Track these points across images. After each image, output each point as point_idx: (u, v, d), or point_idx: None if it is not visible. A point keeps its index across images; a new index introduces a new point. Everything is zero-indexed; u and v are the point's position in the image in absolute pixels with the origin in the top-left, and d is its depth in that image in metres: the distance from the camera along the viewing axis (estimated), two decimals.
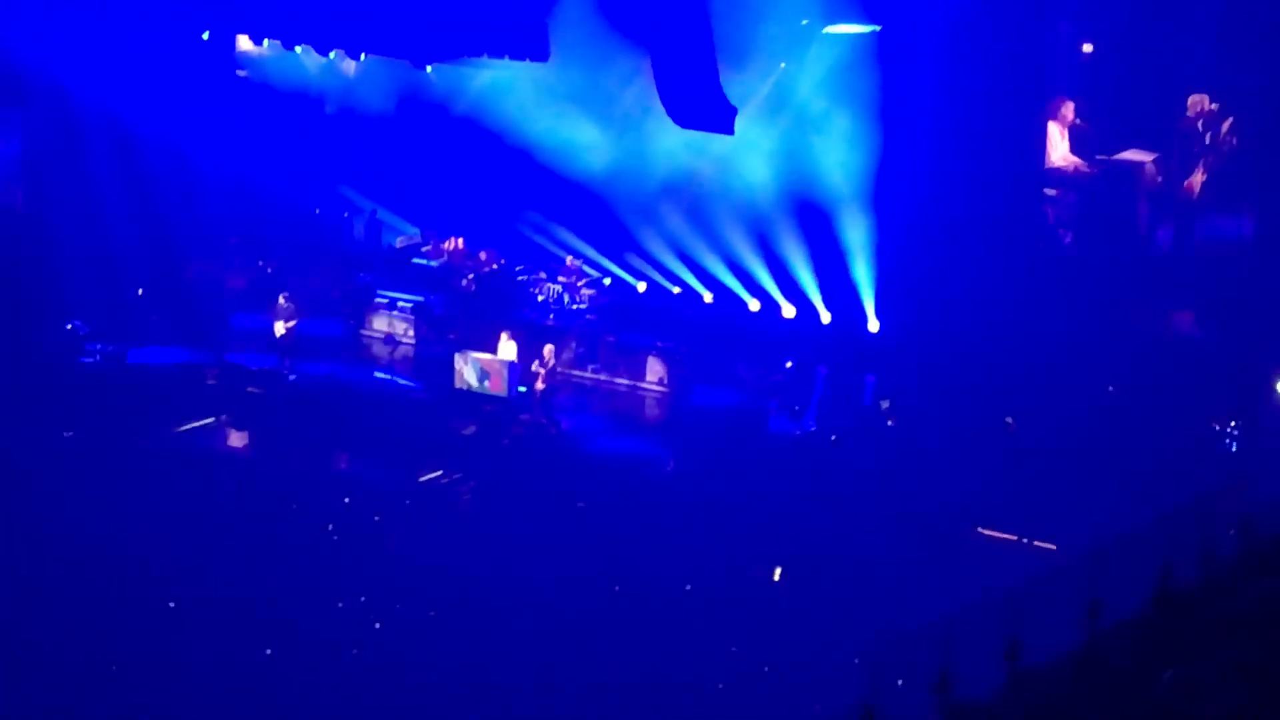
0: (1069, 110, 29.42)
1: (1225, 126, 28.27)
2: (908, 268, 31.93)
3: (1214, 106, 28.18)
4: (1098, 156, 29.20)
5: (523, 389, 32.22)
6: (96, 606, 23.42)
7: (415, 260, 37.72)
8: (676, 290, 35.06)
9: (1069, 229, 29.65)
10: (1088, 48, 29.02)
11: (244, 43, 38.09)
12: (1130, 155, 29.01)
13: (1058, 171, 29.46)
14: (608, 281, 36.01)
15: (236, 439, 31.31)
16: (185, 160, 36.02)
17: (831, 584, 24.63)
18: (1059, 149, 29.55)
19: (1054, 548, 25.53)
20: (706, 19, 31.13)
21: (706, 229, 34.43)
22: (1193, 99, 28.50)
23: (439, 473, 29.51)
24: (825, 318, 33.45)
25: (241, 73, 38.74)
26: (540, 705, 21.65)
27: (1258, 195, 28.05)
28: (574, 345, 34.46)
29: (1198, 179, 28.74)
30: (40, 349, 32.71)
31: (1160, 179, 29.02)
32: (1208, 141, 28.40)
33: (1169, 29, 27.45)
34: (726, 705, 21.84)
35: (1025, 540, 26.17)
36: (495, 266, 36.67)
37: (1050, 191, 29.57)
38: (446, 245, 37.52)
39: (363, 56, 35.52)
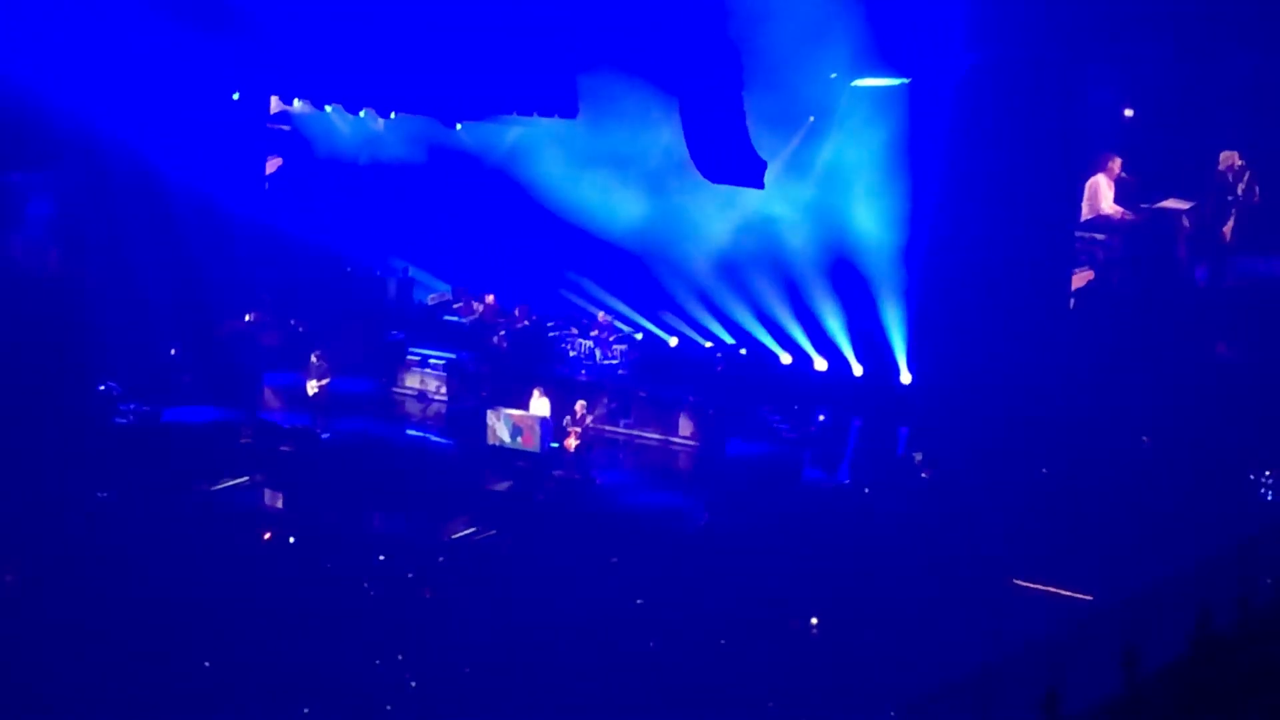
0: (1116, 165, 31.21)
1: (1251, 179, 30.15)
2: (939, 319, 31.93)
3: (1241, 162, 30.18)
4: (1141, 205, 31.13)
5: (555, 445, 32.24)
6: (132, 666, 23.42)
7: (447, 317, 37.78)
8: (708, 344, 35.06)
9: (1116, 269, 31.32)
10: (1129, 112, 31.07)
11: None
12: (1170, 204, 30.95)
13: (1105, 219, 31.25)
14: (639, 336, 36.01)
15: (270, 497, 31.34)
16: (218, 220, 36.19)
17: (867, 637, 24.53)
18: (1107, 199, 31.32)
19: (1090, 598, 25.42)
20: (736, 74, 31.21)
21: (737, 283, 34.44)
22: (1224, 155, 30.42)
23: (472, 529, 29.51)
24: (857, 370, 33.42)
25: (285, 127, 38.98)
26: None
27: None
28: (606, 400, 34.46)
29: (1229, 225, 30.51)
30: (74, 410, 32.77)
31: (1196, 225, 30.82)
32: (1238, 192, 30.25)
33: (1202, 95, 29.60)
34: None
35: (1061, 591, 26.07)
36: (527, 323, 36.71)
37: (1099, 236, 31.37)
38: (478, 303, 37.58)
39: (392, 115, 35.69)
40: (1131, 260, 31.23)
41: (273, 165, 39.28)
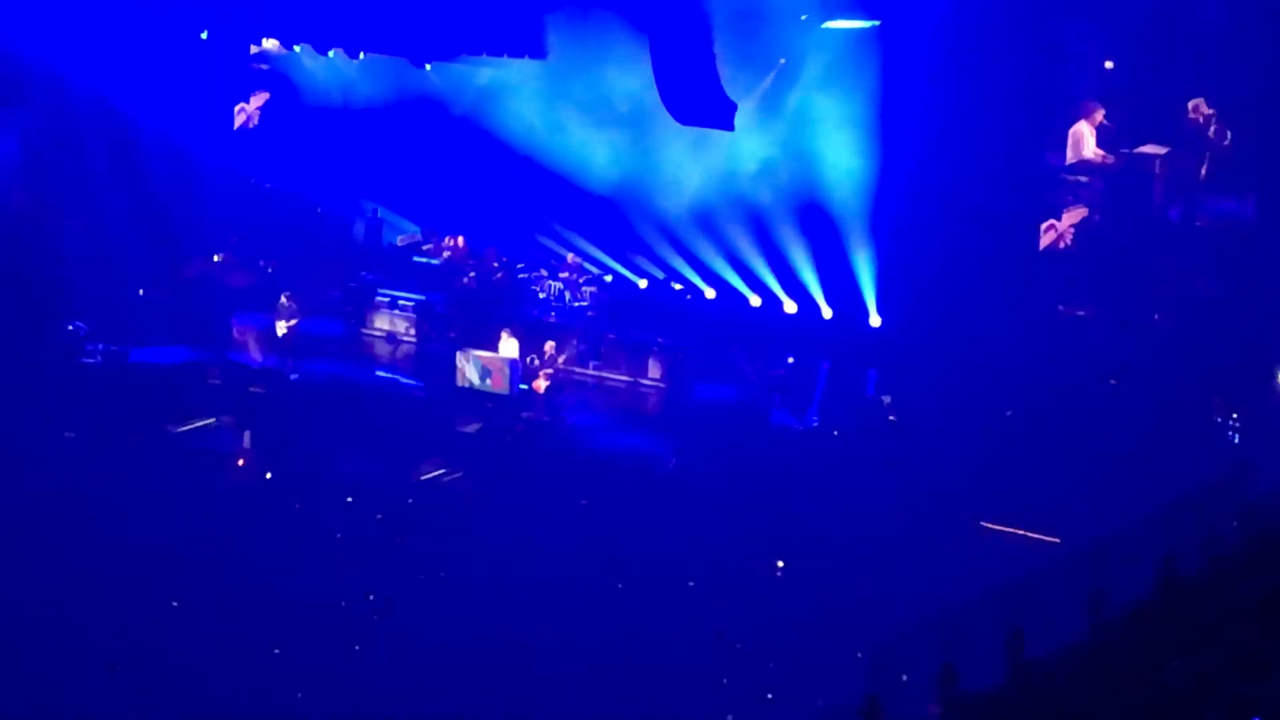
0: (1099, 113, 31.81)
1: (1221, 125, 30.83)
2: (909, 262, 31.98)
3: (1210, 110, 30.84)
4: (1121, 150, 31.78)
5: (524, 386, 32.21)
6: (99, 606, 23.38)
7: (416, 259, 37.68)
8: (678, 287, 35.02)
9: (1096, 210, 32.00)
10: (1109, 64, 31.74)
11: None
12: (1147, 149, 31.68)
13: (1087, 163, 32.00)
14: (609, 278, 35.96)
15: (238, 438, 31.28)
16: (187, 160, 36.03)
17: (834, 578, 24.61)
18: (1089, 144, 32.02)
19: (1057, 541, 25.52)
20: (706, 16, 31.13)
21: (707, 225, 34.39)
22: (1192, 103, 30.94)
23: (441, 471, 29.50)
24: (827, 313, 33.43)
25: (264, 66, 38.79)
26: (544, 702, 21.62)
27: (1253, 181, 30.53)
28: (575, 342, 34.40)
29: (1202, 168, 31.13)
30: (41, 349, 32.66)
31: (1172, 168, 31.57)
32: (1210, 136, 30.81)
33: (1176, 47, 30.24)
34: (730, 700, 21.81)
35: (1027, 533, 26.17)
36: (496, 264, 36.63)
37: (1082, 179, 32.11)
38: (447, 243, 37.48)
39: (361, 55, 35.52)
40: (1111, 202, 31.82)
41: (258, 100, 39.02)
